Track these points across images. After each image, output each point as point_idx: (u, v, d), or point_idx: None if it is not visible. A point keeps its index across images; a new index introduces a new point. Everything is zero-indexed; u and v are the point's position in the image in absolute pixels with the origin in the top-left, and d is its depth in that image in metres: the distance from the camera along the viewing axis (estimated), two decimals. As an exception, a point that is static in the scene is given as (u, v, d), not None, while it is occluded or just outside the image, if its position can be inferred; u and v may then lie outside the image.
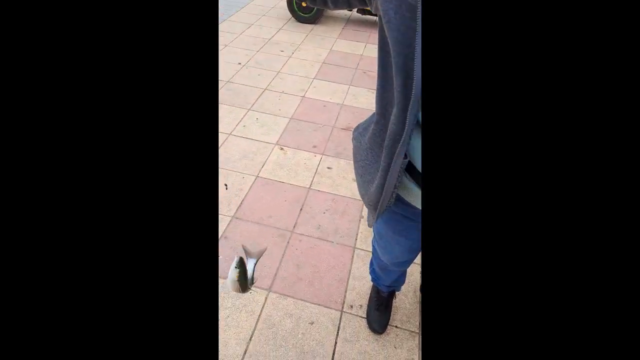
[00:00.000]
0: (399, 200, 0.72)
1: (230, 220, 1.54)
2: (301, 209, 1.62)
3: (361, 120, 0.78)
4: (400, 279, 1.14)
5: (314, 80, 2.61)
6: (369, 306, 1.23)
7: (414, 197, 0.68)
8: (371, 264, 1.16)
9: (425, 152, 0.33)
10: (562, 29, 0.28)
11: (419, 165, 0.61)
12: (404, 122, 0.54)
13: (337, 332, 1.19)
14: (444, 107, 0.31)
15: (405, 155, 0.59)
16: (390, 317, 1.23)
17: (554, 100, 0.28)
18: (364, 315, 1.23)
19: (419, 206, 0.68)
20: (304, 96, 2.42)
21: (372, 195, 0.69)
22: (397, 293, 1.28)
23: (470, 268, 0.30)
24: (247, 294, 1.17)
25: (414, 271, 1.38)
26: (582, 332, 0.27)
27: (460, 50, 0.30)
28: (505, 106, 0.29)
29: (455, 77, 0.30)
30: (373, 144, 0.68)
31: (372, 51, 3.10)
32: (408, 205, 0.72)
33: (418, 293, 1.31)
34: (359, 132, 0.76)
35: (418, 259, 1.34)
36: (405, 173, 0.65)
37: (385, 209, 0.70)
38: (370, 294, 1.25)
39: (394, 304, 1.27)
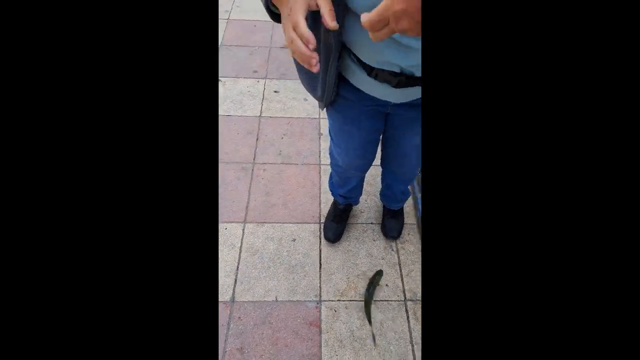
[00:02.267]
0: (349, 84, 0.74)
1: (185, 166, 1.44)
2: (257, 139, 1.55)
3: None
4: (357, 189, 1.16)
5: (236, -2, 2.30)
6: (326, 218, 1.27)
7: (358, 79, 0.71)
8: (330, 177, 1.17)
9: (425, 152, 0.32)
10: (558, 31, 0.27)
11: (357, 50, 0.63)
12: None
13: (320, 241, 1.24)
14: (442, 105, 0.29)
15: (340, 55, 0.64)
16: (365, 217, 1.30)
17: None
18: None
19: (365, 90, 0.72)
20: (228, 18, 2.14)
21: (319, 94, 0.75)
22: (354, 207, 1.32)
23: (470, 260, 0.29)
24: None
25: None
26: (580, 327, 0.27)
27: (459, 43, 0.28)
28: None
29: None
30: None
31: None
32: (356, 89, 0.73)
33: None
34: None
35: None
36: (352, 56, 0.66)
37: (331, 99, 0.75)
38: (329, 209, 1.29)
39: (364, 208, 1.33)
